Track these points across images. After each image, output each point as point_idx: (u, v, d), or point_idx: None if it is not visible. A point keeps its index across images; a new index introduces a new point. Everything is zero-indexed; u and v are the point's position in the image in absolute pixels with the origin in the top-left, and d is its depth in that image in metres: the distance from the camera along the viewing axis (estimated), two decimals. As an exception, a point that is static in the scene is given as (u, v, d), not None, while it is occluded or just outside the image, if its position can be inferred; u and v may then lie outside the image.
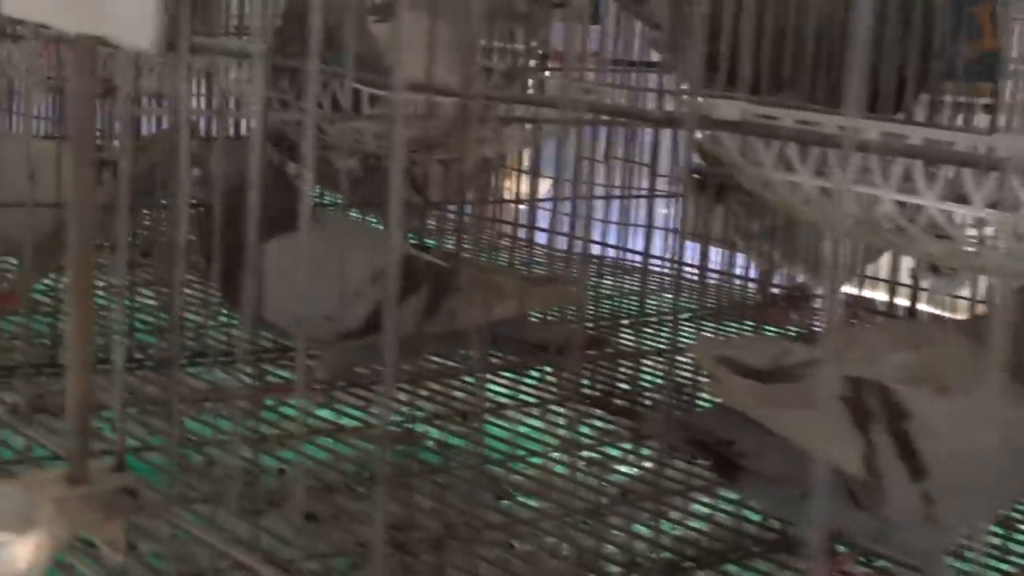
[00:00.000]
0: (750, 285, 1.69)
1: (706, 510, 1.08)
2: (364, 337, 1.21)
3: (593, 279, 1.77)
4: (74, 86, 0.67)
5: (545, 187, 1.76)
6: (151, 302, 1.47)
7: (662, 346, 1.49)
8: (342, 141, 1.17)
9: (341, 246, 1.18)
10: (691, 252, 1.64)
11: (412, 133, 1.15)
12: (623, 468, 1.18)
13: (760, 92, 1.08)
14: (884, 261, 1.52)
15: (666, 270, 1.82)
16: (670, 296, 1.72)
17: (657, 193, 1.71)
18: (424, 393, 1.31)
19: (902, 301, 1.43)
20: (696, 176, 1.53)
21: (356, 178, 1.43)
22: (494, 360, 1.33)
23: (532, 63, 1.35)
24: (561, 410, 1.29)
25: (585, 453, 1.19)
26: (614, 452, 1.21)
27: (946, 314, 1.51)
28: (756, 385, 0.84)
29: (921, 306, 1.45)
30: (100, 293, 1.37)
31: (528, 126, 1.32)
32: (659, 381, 1.36)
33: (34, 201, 1.27)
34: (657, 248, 1.76)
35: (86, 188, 0.68)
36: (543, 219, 1.77)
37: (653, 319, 1.62)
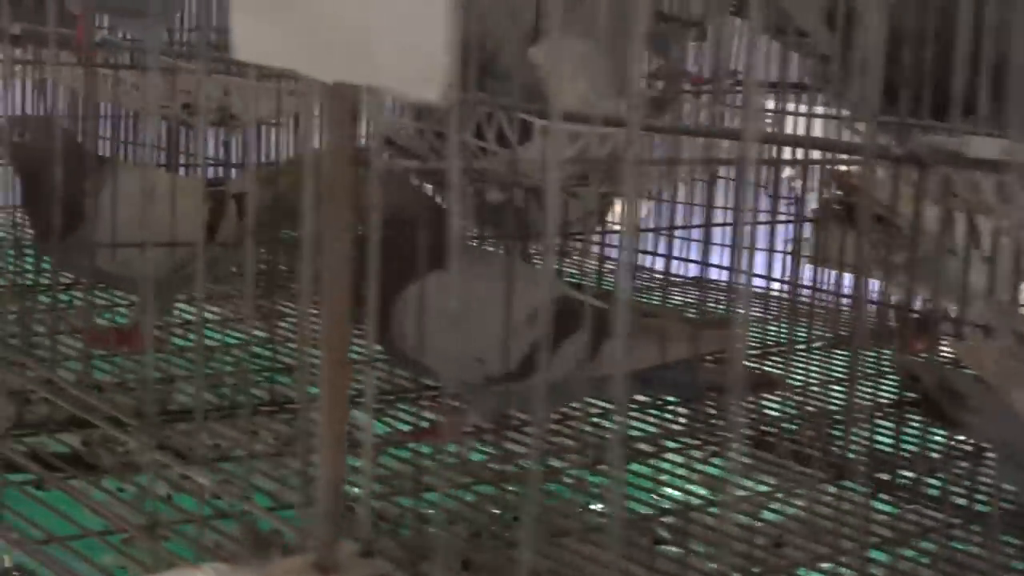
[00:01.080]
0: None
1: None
2: (517, 381, 1.15)
3: (711, 306, 1.71)
4: (331, 141, 0.61)
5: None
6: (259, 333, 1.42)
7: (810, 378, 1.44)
8: (503, 174, 1.11)
9: (496, 285, 1.12)
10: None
11: (577, 167, 1.09)
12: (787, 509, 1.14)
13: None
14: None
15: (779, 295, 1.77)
16: (792, 323, 1.67)
17: (779, 219, 1.65)
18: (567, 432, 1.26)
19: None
20: (836, 206, 1.48)
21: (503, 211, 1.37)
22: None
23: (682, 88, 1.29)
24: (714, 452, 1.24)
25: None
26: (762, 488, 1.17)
27: None
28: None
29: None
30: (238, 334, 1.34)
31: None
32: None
33: (174, 239, 1.22)
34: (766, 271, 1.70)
35: (343, 251, 0.62)
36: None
37: (784, 348, 1.57)
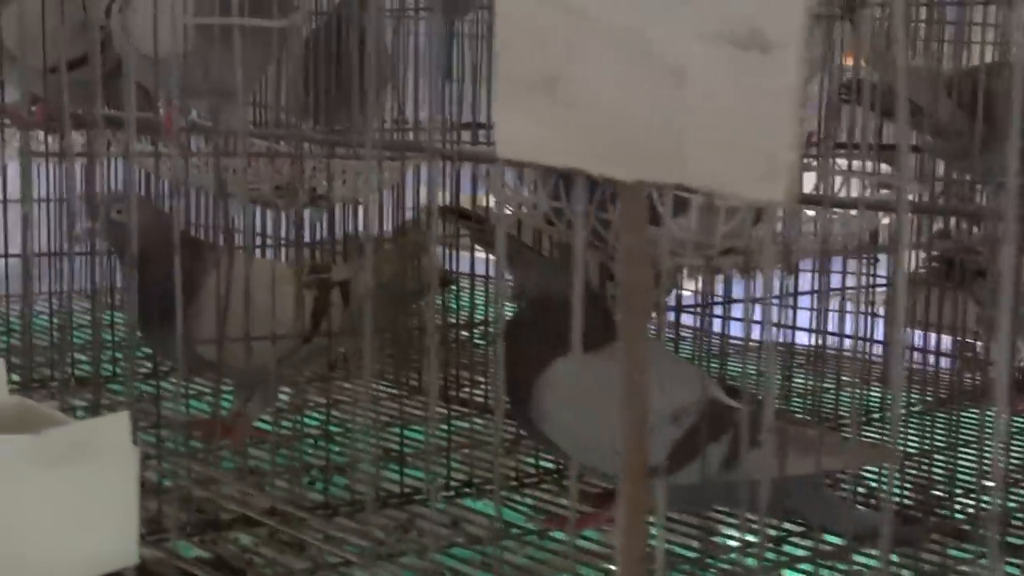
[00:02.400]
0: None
1: None
2: (656, 477, 1.11)
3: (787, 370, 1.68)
4: (627, 242, 0.58)
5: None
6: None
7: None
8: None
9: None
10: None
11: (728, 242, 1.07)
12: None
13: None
14: None
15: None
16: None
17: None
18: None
19: None
20: (936, 264, 1.46)
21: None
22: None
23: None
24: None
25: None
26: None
27: None
28: None
29: None
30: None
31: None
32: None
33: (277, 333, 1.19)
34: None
35: (643, 356, 0.59)
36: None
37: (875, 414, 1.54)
